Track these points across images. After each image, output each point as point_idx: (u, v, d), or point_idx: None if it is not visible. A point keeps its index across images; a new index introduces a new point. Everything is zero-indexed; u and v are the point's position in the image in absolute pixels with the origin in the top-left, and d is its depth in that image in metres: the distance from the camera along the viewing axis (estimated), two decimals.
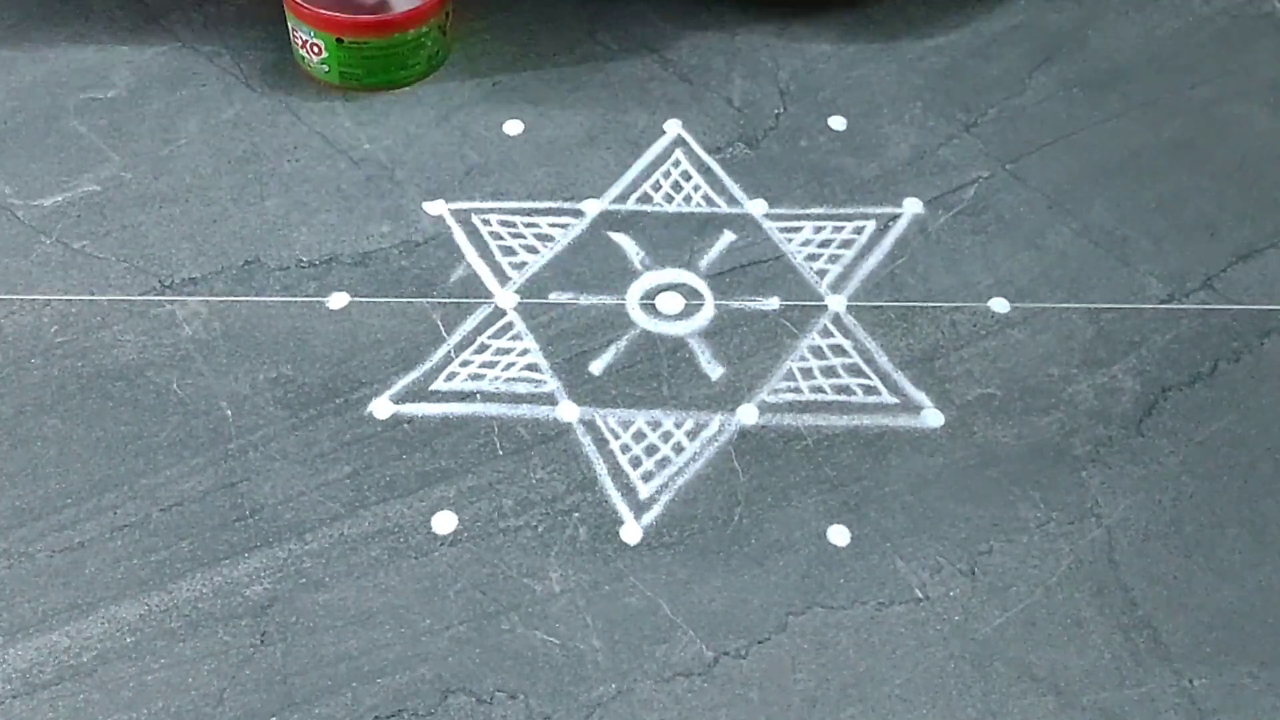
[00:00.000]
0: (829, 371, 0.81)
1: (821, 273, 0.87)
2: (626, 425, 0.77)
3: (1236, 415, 0.80)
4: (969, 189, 0.93)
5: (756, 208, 0.91)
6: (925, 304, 0.85)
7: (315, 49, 0.94)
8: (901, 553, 0.72)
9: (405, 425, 0.77)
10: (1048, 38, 1.05)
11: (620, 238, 0.88)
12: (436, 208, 0.89)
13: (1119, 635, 0.69)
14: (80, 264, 0.84)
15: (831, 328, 0.83)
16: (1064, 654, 0.68)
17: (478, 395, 0.78)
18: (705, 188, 0.92)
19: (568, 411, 0.78)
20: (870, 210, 0.91)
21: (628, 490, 0.74)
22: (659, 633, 0.68)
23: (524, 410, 0.78)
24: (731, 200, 0.91)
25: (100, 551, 0.70)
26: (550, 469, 0.75)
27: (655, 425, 0.77)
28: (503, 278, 0.85)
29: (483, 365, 0.80)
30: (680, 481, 0.75)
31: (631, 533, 0.72)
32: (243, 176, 0.90)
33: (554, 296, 0.84)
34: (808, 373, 0.81)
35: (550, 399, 0.78)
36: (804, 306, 0.85)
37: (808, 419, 0.78)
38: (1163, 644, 0.69)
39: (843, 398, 0.79)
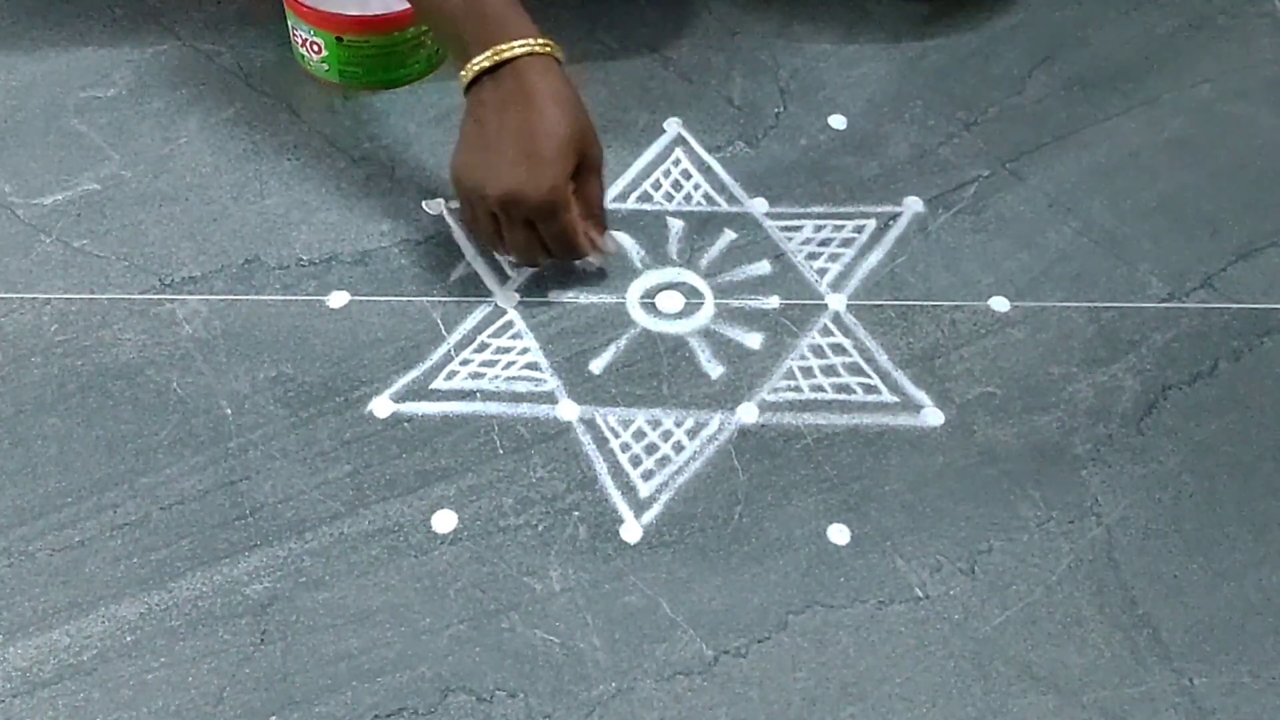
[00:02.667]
0: (829, 370, 0.81)
1: (822, 271, 0.87)
2: (626, 424, 0.77)
3: (1237, 414, 0.80)
4: (969, 188, 0.93)
5: (757, 206, 0.91)
6: (925, 303, 0.85)
7: (315, 47, 0.94)
8: (901, 551, 0.72)
9: (405, 424, 0.77)
10: (1048, 37, 1.05)
11: (620, 236, 0.88)
12: (436, 206, 0.89)
13: (1119, 634, 0.69)
14: (80, 262, 0.84)
15: (832, 326, 0.83)
16: (1064, 653, 0.68)
17: (478, 394, 0.78)
18: (705, 186, 0.92)
19: (568, 410, 0.78)
20: (870, 209, 0.91)
21: (628, 489, 0.74)
22: (659, 631, 0.68)
23: (524, 409, 0.78)
24: (732, 199, 0.91)
25: (100, 550, 0.70)
26: (550, 468, 0.75)
27: (655, 424, 0.77)
28: (502, 276, 0.85)
29: (483, 364, 0.80)
30: (680, 480, 0.75)
31: (631, 531, 0.72)
32: (243, 175, 0.90)
33: (554, 295, 0.84)
34: (808, 371, 0.81)
35: (550, 398, 0.78)
36: (804, 305, 0.85)
37: (808, 418, 0.78)
38: (1163, 643, 0.69)
39: (843, 396, 0.80)
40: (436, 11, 0.78)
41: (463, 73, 0.75)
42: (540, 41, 0.75)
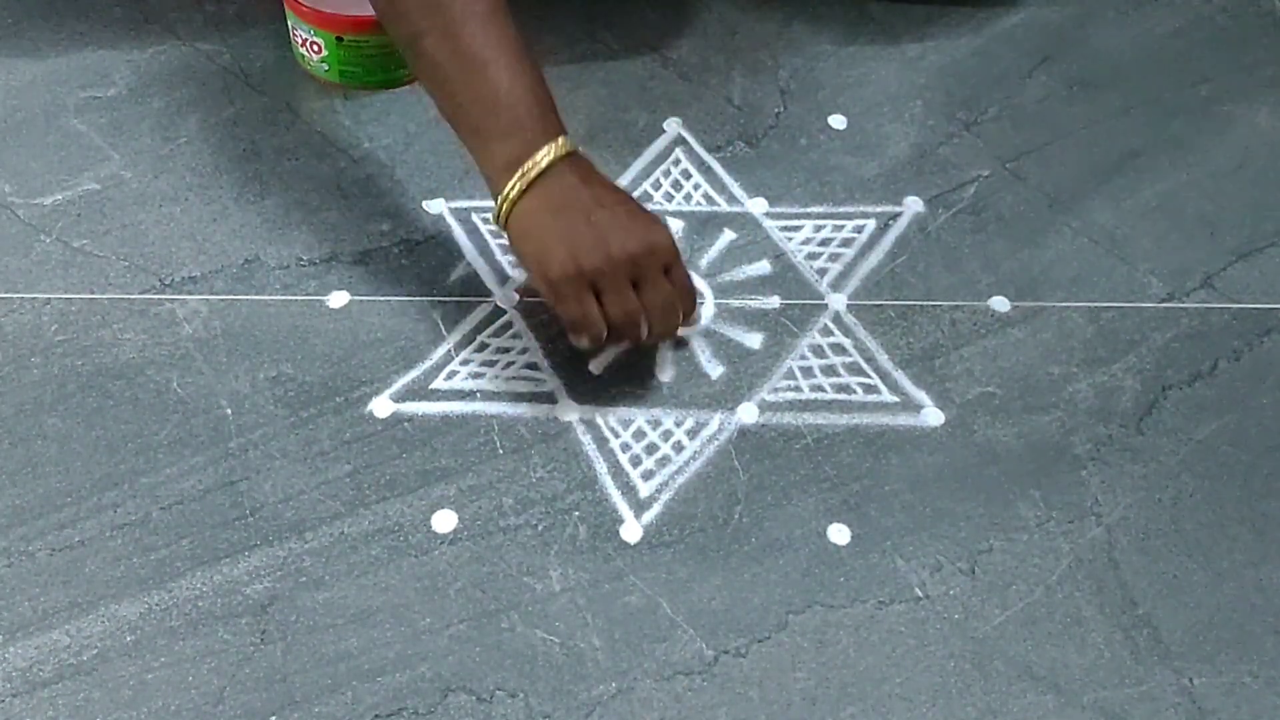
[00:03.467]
0: (829, 370, 0.81)
1: (822, 271, 0.87)
2: (626, 424, 0.77)
3: (1237, 414, 0.80)
4: (969, 188, 0.93)
5: (757, 206, 0.91)
6: (925, 303, 0.85)
7: (315, 47, 0.94)
8: (901, 551, 0.72)
9: (405, 424, 0.77)
10: (1048, 36, 1.05)
11: None
12: (437, 206, 0.89)
13: (1119, 634, 0.69)
14: (80, 262, 0.84)
15: (832, 326, 0.83)
16: (1064, 652, 0.68)
17: (478, 394, 0.78)
18: (705, 186, 0.92)
19: (568, 410, 0.78)
20: (870, 209, 0.91)
21: (628, 489, 0.74)
22: (659, 631, 0.68)
23: (524, 409, 0.78)
24: (732, 199, 0.91)
25: (100, 550, 0.70)
26: (550, 468, 0.75)
27: (655, 424, 0.77)
28: (503, 276, 0.85)
29: (483, 364, 0.80)
30: (680, 480, 0.75)
31: (631, 531, 0.72)
32: (243, 175, 0.90)
33: None
34: (808, 371, 0.81)
35: (550, 398, 0.78)
36: (804, 305, 0.85)
37: (808, 417, 0.78)
38: (1163, 643, 0.69)
39: (843, 396, 0.80)
40: (455, 105, 0.72)
41: (505, 192, 0.71)
42: (563, 141, 0.71)
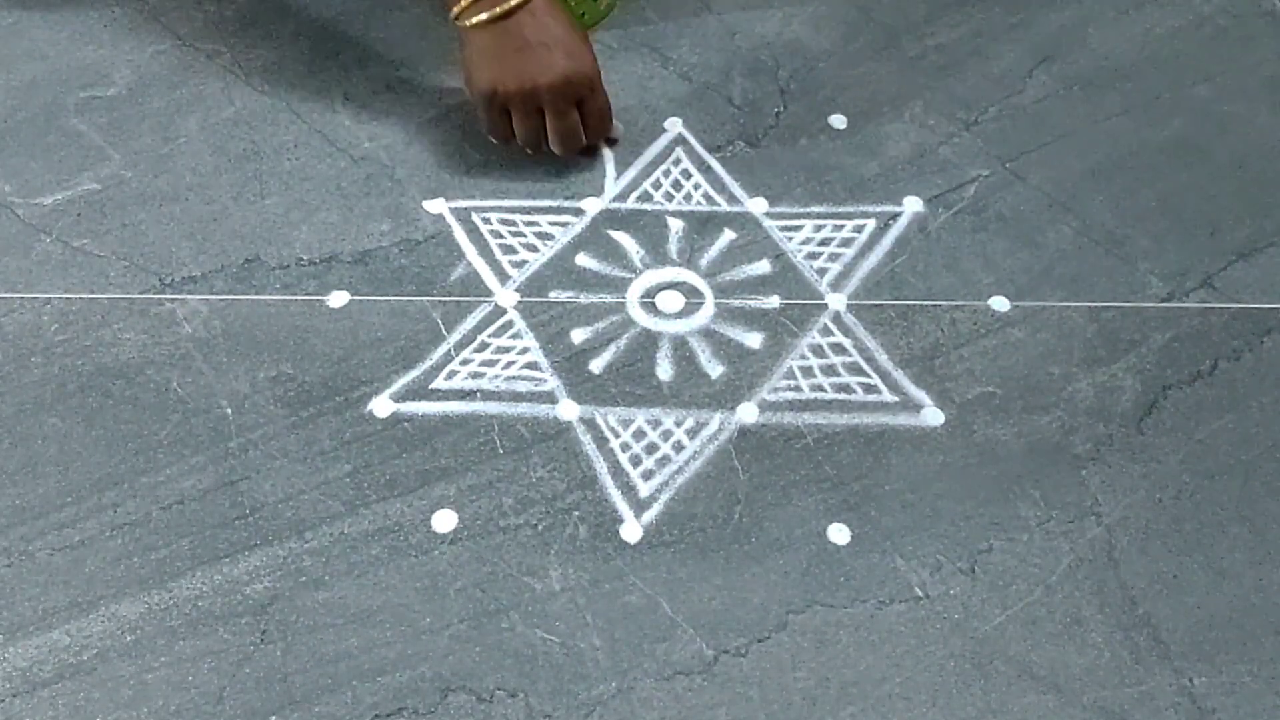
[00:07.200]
0: (829, 370, 0.81)
1: (822, 271, 0.87)
2: (626, 424, 0.77)
3: (1237, 414, 0.80)
4: (969, 187, 0.93)
5: (757, 206, 0.91)
6: (925, 302, 0.85)
7: None
8: (901, 551, 0.72)
9: (405, 424, 0.77)
10: (1048, 36, 1.05)
11: (620, 236, 0.88)
12: (437, 206, 0.89)
13: (1119, 634, 0.69)
14: (80, 262, 0.84)
15: (832, 326, 0.83)
16: (1064, 652, 0.68)
17: (478, 394, 0.78)
18: (705, 186, 0.92)
19: (568, 410, 0.78)
20: (870, 209, 0.91)
21: (628, 489, 0.74)
22: (659, 631, 0.68)
23: (524, 409, 0.78)
24: (732, 199, 0.91)
25: (100, 550, 0.70)
26: (550, 467, 0.75)
27: (655, 424, 0.77)
28: (503, 276, 0.85)
29: (483, 364, 0.80)
30: (680, 480, 0.75)
31: (631, 531, 0.72)
32: (243, 175, 0.90)
33: (554, 295, 0.84)
34: (808, 371, 0.81)
35: (550, 397, 0.78)
36: (804, 305, 0.85)
37: (808, 417, 0.78)
38: (1163, 642, 0.69)
39: (843, 396, 0.80)
40: None
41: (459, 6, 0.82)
42: None
